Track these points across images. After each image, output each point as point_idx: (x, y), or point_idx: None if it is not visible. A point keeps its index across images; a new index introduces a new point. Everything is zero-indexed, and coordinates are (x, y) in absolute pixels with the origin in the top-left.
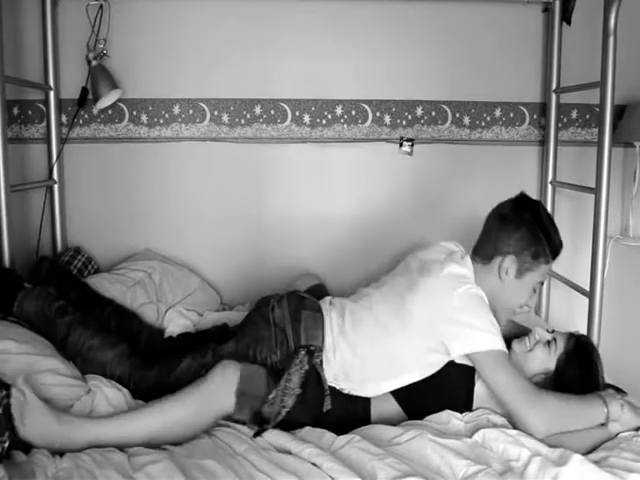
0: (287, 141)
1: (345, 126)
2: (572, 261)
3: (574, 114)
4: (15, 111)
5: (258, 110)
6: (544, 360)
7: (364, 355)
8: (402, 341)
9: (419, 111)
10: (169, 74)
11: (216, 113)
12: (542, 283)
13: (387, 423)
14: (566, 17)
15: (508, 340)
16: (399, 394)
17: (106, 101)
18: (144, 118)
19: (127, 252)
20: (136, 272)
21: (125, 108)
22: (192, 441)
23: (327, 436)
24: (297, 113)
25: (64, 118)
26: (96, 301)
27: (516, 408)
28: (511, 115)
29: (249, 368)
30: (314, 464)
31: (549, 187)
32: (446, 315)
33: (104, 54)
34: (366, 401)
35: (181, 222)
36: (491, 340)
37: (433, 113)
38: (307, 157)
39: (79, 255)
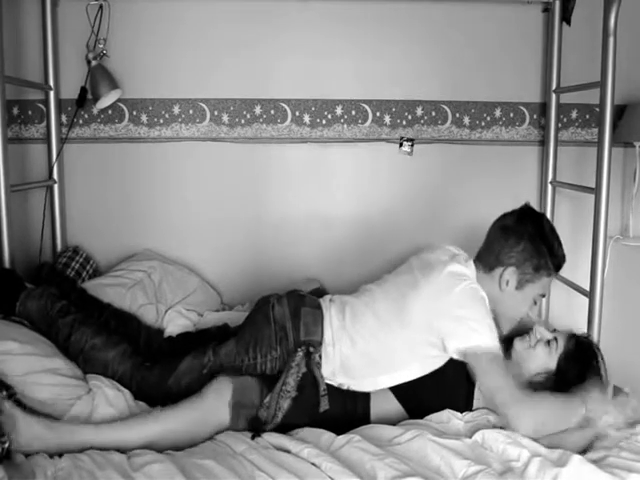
0: (287, 141)
1: (345, 126)
2: (572, 261)
3: (574, 114)
4: (15, 111)
5: (258, 110)
6: (545, 359)
7: (363, 349)
8: (402, 337)
9: (419, 111)
10: (169, 74)
11: (216, 113)
12: (543, 295)
13: (387, 422)
14: (566, 17)
15: (510, 338)
16: (399, 392)
17: (106, 101)
18: (144, 118)
19: (127, 252)
20: (136, 272)
21: (125, 108)
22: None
23: (326, 436)
24: (297, 113)
25: (64, 118)
26: (94, 305)
27: (504, 410)
28: (511, 115)
29: (241, 380)
30: (313, 464)
31: (549, 187)
32: (444, 311)
33: (104, 54)
34: (366, 399)
35: (181, 222)
36: (484, 339)
37: (433, 113)
38: (307, 157)
39: (77, 256)
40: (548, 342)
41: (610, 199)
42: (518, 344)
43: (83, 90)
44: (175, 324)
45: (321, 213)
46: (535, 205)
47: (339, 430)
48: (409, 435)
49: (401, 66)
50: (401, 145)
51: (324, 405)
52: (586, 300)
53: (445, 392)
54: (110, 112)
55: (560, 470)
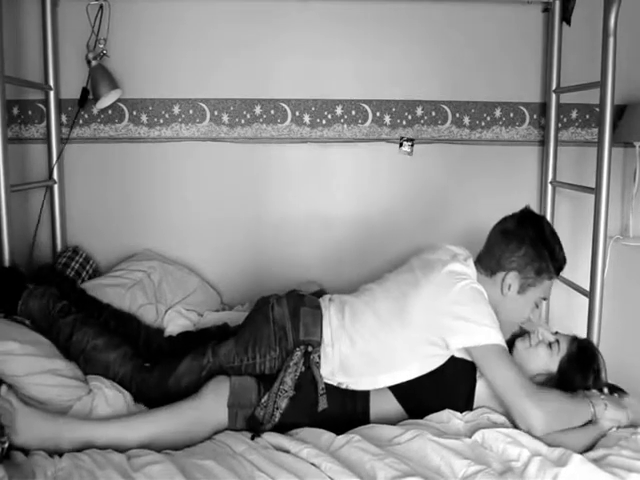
0: (287, 141)
1: (345, 126)
2: (572, 261)
3: (574, 114)
4: (15, 111)
5: (258, 110)
6: (546, 360)
7: (363, 349)
8: (402, 336)
9: (419, 111)
10: (169, 74)
11: (216, 113)
12: (545, 298)
13: (386, 421)
14: (566, 17)
15: (511, 338)
16: (399, 392)
17: (106, 101)
18: (144, 118)
19: (127, 252)
20: (135, 272)
21: (125, 108)
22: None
23: (326, 436)
24: (297, 113)
25: (64, 118)
26: (94, 306)
27: (516, 403)
28: (511, 115)
29: (239, 379)
30: (313, 464)
31: (549, 187)
32: (446, 309)
33: (104, 54)
34: (365, 399)
35: (181, 222)
36: (490, 334)
37: (433, 113)
38: (307, 157)
39: (77, 256)
40: (550, 344)
41: (610, 199)
42: (520, 344)
43: (84, 90)
44: (175, 324)
45: (321, 213)
46: (535, 205)
47: (338, 430)
48: (409, 435)
49: (401, 66)
50: (401, 145)
51: (322, 404)
52: (586, 300)
53: (445, 392)
54: (110, 112)
55: (560, 470)
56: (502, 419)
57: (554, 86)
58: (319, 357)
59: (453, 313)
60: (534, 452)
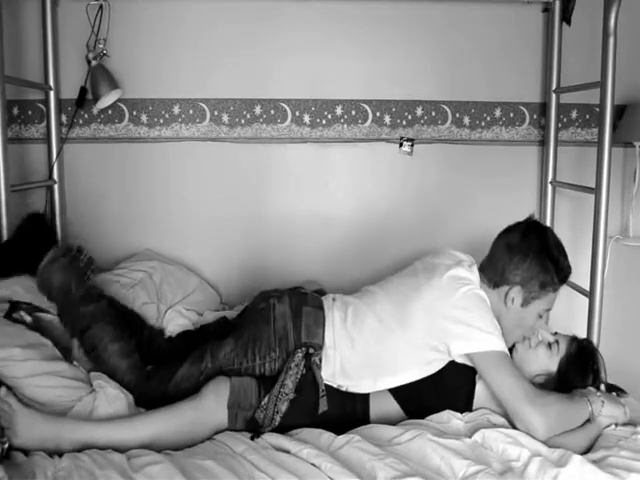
0: (287, 141)
1: (345, 126)
2: (572, 261)
3: (574, 114)
4: (15, 111)
5: (258, 110)
6: (546, 361)
7: (364, 352)
8: (403, 340)
9: (419, 111)
10: (169, 74)
11: (216, 113)
12: (549, 309)
13: (386, 423)
14: (566, 17)
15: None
16: (398, 393)
17: (106, 101)
18: (144, 118)
19: (127, 252)
20: (136, 272)
21: (125, 108)
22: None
23: (326, 436)
24: (297, 113)
25: (64, 118)
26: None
27: (518, 410)
28: (511, 115)
29: (239, 380)
30: (313, 464)
31: (549, 187)
32: (447, 314)
33: (104, 54)
34: (365, 400)
35: (181, 222)
36: (491, 340)
37: (433, 113)
38: (307, 157)
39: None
40: (549, 344)
41: (610, 199)
42: (519, 345)
43: (83, 90)
44: (175, 324)
45: (321, 213)
46: (535, 205)
47: (338, 431)
48: (409, 435)
49: (401, 66)
50: (401, 145)
51: (323, 406)
52: (586, 300)
53: (444, 394)
54: (110, 112)
55: (560, 470)
56: (502, 420)
57: (554, 86)
58: (320, 360)
59: (454, 318)
60: (534, 452)
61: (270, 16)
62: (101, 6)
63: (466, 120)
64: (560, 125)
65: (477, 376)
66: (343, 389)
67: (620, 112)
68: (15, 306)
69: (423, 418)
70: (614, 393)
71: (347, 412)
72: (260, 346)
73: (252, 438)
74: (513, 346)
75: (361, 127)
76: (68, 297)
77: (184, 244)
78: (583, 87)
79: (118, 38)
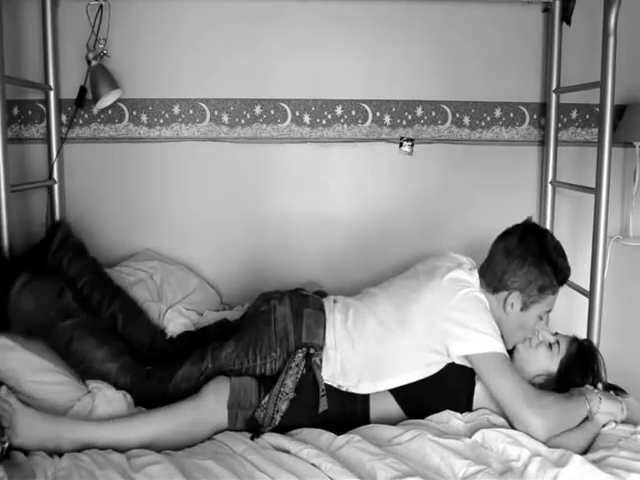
0: (287, 141)
1: (345, 126)
2: (572, 261)
3: (574, 114)
4: (15, 111)
5: (258, 110)
6: (546, 361)
7: (365, 354)
8: (404, 341)
9: (419, 111)
10: (169, 74)
11: (216, 113)
12: (549, 311)
13: (386, 423)
14: (566, 17)
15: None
16: (399, 394)
17: (106, 101)
18: (144, 118)
19: (127, 252)
20: (138, 272)
21: (125, 108)
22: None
23: (326, 436)
24: (297, 113)
25: (64, 118)
26: (107, 290)
27: (517, 412)
28: (511, 115)
29: (239, 380)
30: (313, 464)
31: (549, 187)
32: (446, 316)
33: (104, 54)
34: (365, 400)
35: (181, 222)
36: (490, 342)
37: (433, 113)
38: (307, 157)
39: None
40: (550, 345)
41: (610, 199)
42: (520, 345)
43: (82, 90)
44: (176, 322)
45: (321, 213)
46: (535, 205)
47: (338, 431)
48: (409, 435)
49: (401, 66)
50: (401, 145)
51: (323, 406)
52: (586, 300)
53: (444, 394)
54: (110, 112)
55: (560, 470)
56: (501, 420)
57: (554, 86)
58: (320, 360)
59: (454, 319)
60: (534, 452)
61: (270, 16)
62: (101, 6)
63: (466, 120)
64: (560, 125)
65: (477, 376)
66: (343, 389)
67: (620, 112)
68: None
69: (423, 418)
70: (611, 392)
71: (347, 412)
72: (261, 347)
73: (252, 438)
74: (514, 347)
75: (361, 127)
76: (46, 314)
77: (184, 244)
78: (583, 87)
79: (118, 38)
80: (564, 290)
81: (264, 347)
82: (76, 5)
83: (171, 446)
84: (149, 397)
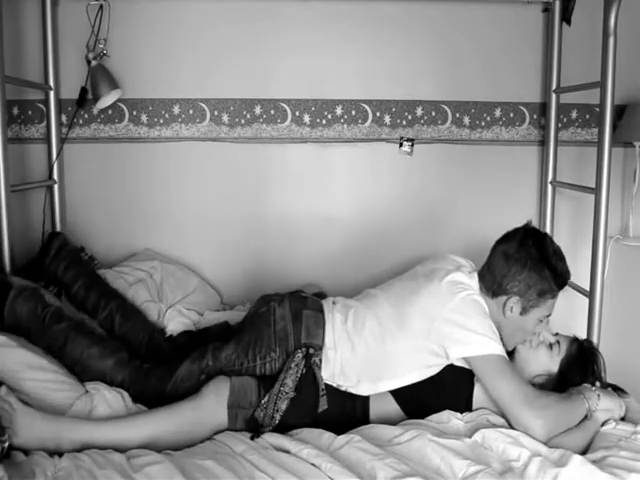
0: (287, 141)
1: (345, 126)
2: (572, 261)
3: (574, 114)
4: (15, 111)
5: (258, 110)
6: (547, 361)
7: (364, 355)
8: (403, 343)
9: (419, 111)
10: (169, 74)
11: (216, 113)
12: (549, 315)
13: (386, 422)
14: (566, 17)
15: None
16: (398, 394)
17: (106, 101)
18: (144, 118)
19: (127, 252)
20: (138, 272)
21: (125, 108)
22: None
23: (326, 436)
24: (297, 113)
25: (64, 118)
26: (103, 292)
27: (517, 414)
28: (511, 115)
29: (239, 380)
30: (313, 464)
31: (549, 187)
32: (445, 318)
33: (104, 54)
34: (365, 400)
35: (181, 222)
36: (489, 344)
37: (433, 113)
38: (307, 157)
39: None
40: (550, 345)
41: (610, 199)
42: (520, 346)
43: (83, 90)
44: (176, 322)
45: (321, 213)
46: (535, 205)
47: (338, 430)
48: (409, 435)
49: (401, 66)
50: (401, 145)
51: (323, 405)
52: (586, 300)
53: (444, 395)
54: (110, 112)
55: (560, 470)
56: (501, 420)
57: (554, 86)
58: (320, 360)
59: (453, 322)
60: (534, 452)
61: (270, 16)
62: (101, 6)
63: (466, 120)
64: (560, 125)
65: (476, 377)
66: (343, 389)
67: (620, 112)
68: None
69: (423, 418)
70: (609, 388)
71: (347, 411)
72: (260, 347)
73: (252, 438)
74: (514, 348)
75: (361, 127)
76: (38, 319)
77: (184, 244)
78: (583, 87)
79: (118, 38)
80: (564, 290)
81: (264, 347)
82: (76, 5)
83: (171, 446)
84: (148, 396)
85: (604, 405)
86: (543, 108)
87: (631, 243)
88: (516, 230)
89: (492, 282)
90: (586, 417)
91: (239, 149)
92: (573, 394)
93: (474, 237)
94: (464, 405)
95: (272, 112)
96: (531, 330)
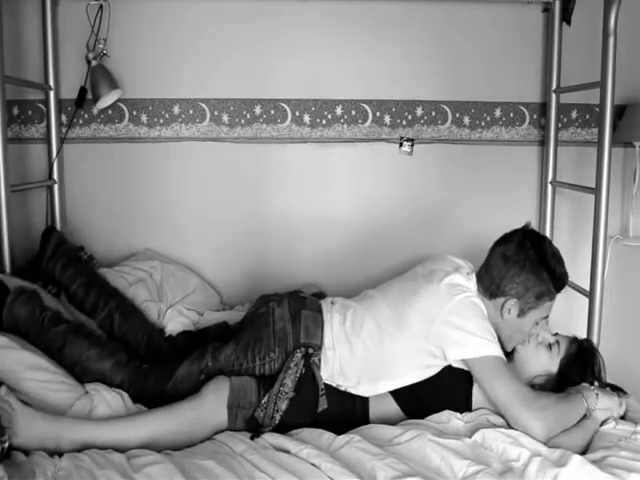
0: (287, 141)
1: (345, 126)
2: (572, 261)
3: (574, 114)
4: (15, 111)
5: (258, 110)
6: (546, 362)
7: (362, 356)
8: (401, 344)
9: (419, 111)
10: (169, 74)
11: (216, 113)
12: (546, 317)
13: (386, 422)
14: (566, 17)
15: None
16: (398, 394)
17: (106, 101)
18: (144, 118)
19: (127, 252)
20: (137, 271)
21: (125, 108)
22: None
23: (326, 436)
24: (297, 113)
25: (64, 118)
26: (101, 291)
27: (516, 416)
28: (511, 115)
29: (239, 380)
30: (313, 464)
31: (549, 187)
32: (443, 320)
33: (104, 54)
34: (365, 400)
35: (181, 222)
36: (487, 346)
37: (433, 113)
38: (307, 157)
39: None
40: (550, 345)
41: (610, 199)
42: (520, 346)
43: (82, 90)
44: (176, 322)
45: (321, 213)
46: (535, 205)
47: (338, 430)
48: (409, 435)
49: (401, 66)
50: (401, 145)
51: (322, 404)
52: (586, 300)
53: (443, 395)
54: (110, 112)
55: (560, 470)
56: (501, 420)
57: (554, 86)
58: (319, 360)
59: (451, 323)
60: (534, 452)
61: (270, 16)
62: (101, 6)
63: (466, 120)
64: (560, 125)
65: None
66: (342, 389)
67: (620, 112)
68: None
69: (423, 418)
70: (608, 388)
71: (346, 411)
72: (260, 347)
73: (252, 438)
74: (514, 349)
75: (361, 127)
76: (36, 322)
77: (184, 244)
78: (583, 87)
79: (118, 38)
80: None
81: (263, 348)
82: (76, 5)
83: (171, 446)
84: (148, 396)
85: (603, 404)
86: (543, 108)
87: (631, 243)
88: (515, 231)
89: (490, 283)
90: (585, 416)
91: (239, 149)
92: (572, 394)
93: (474, 237)
94: (464, 405)
95: (272, 112)
96: (528, 332)
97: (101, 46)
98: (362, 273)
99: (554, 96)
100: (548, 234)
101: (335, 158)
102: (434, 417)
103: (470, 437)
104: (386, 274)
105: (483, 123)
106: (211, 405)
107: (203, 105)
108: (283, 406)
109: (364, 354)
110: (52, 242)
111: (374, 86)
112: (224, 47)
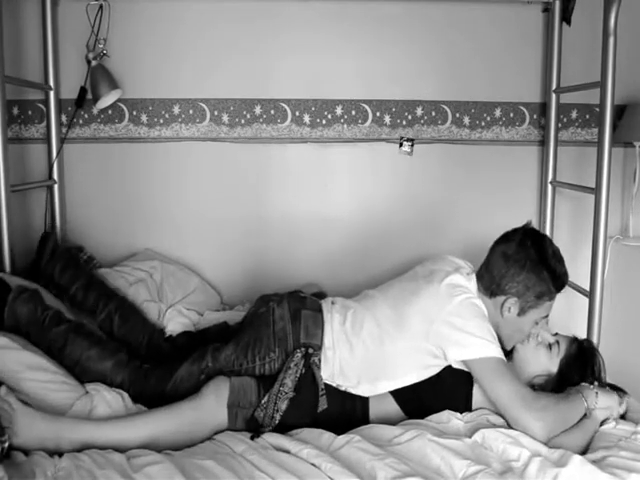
0: (287, 141)
1: (345, 126)
2: (572, 261)
3: (574, 114)
4: (15, 111)
5: (258, 110)
6: (546, 362)
7: (362, 356)
8: (401, 344)
9: (419, 111)
10: (169, 74)
11: (216, 113)
12: (546, 316)
13: (386, 422)
14: (566, 17)
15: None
16: (398, 394)
17: (106, 101)
18: (144, 118)
19: (127, 252)
20: (138, 271)
21: (125, 108)
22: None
23: (326, 436)
24: (297, 113)
25: (64, 118)
26: (101, 293)
27: (516, 416)
28: (511, 115)
29: (239, 380)
30: (313, 464)
31: (549, 187)
32: (443, 321)
33: (104, 54)
34: (365, 400)
35: (181, 222)
36: (487, 347)
37: (433, 113)
38: (307, 157)
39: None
40: (550, 345)
41: (610, 199)
42: (520, 346)
43: (82, 90)
44: (176, 322)
45: (321, 213)
46: (535, 205)
47: (338, 430)
48: (409, 435)
49: (401, 66)
50: (401, 145)
51: (322, 404)
52: (586, 300)
53: (443, 395)
54: (110, 112)
55: (560, 470)
56: (501, 420)
57: (554, 86)
58: (319, 360)
59: (451, 324)
60: (534, 452)
61: (270, 16)
62: (101, 6)
63: (466, 120)
64: (560, 125)
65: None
66: (342, 389)
67: (620, 112)
68: None
69: (423, 418)
70: (607, 387)
71: (347, 411)
72: (260, 347)
73: (252, 438)
74: (513, 348)
75: (361, 127)
76: (38, 323)
77: (184, 244)
78: (583, 87)
79: (118, 38)
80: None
81: (263, 348)
82: (76, 5)
83: (171, 446)
84: (148, 396)
85: (603, 403)
86: (543, 108)
87: (631, 243)
88: (515, 230)
89: (490, 282)
90: (585, 416)
91: (239, 149)
92: (571, 393)
93: (474, 237)
94: (464, 405)
95: (272, 112)
96: (527, 331)
97: (101, 46)
98: (362, 273)
99: (554, 96)
100: (548, 234)
101: (335, 158)
102: (434, 417)
103: (470, 437)
104: (386, 274)
105: (483, 123)
106: (211, 405)
107: (203, 105)
108: (283, 406)
109: (364, 354)
110: (48, 246)
111: (374, 86)
112: (224, 47)
